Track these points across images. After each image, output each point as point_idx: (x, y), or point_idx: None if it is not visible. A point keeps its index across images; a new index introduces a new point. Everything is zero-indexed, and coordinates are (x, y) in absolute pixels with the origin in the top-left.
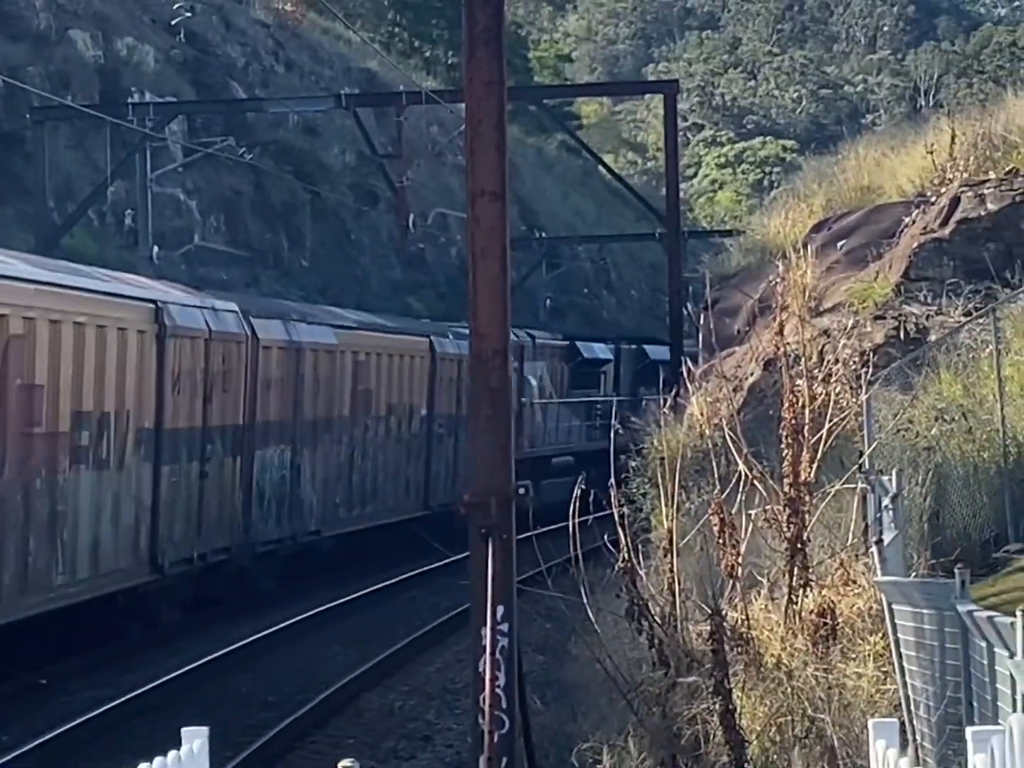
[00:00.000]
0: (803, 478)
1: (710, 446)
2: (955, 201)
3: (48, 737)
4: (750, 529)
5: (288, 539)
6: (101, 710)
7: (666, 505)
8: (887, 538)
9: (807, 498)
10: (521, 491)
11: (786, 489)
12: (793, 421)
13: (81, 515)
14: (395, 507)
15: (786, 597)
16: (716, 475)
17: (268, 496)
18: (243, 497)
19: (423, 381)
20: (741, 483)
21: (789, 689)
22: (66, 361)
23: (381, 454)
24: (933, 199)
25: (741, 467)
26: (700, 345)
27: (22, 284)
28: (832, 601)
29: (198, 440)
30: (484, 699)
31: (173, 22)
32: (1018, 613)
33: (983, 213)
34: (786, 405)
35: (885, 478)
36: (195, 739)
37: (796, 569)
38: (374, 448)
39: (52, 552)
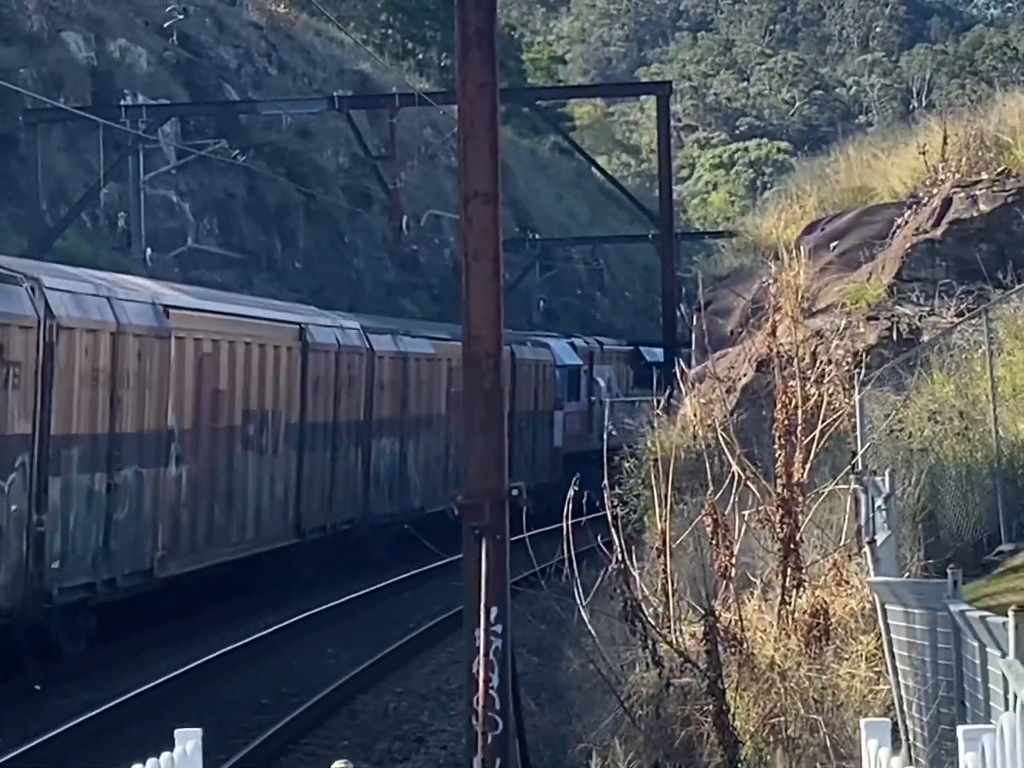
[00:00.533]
0: (796, 479)
1: (703, 447)
2: (947, 202)
3: (42, 740)
4: (743, 530)
5: (398, 514)
6: (95, 712)
7: (659, 506)
8: (880, 538)
9: (800, 499)
10: (514, 492)
11: (779, 490)
12: (786, 422)
13: (248, 489)
14: None
15: (779, 598)
16: (709, 476)
17: (382, 478)
18: (363, 479)
19: (504, 384)
20: (734, 484)
21: (782, 689)
22: (238, 371)
23: None
24: (925, 200)
25: (734, 468)
26: (693, 346)
27: (210, 315)
28: (825, 601)
29: (330, 432)
30: (478, 700)
31: (166, 24)
32: (1010, 613)
33: (975, 214)
34: (779, 406)
35: (878, 478)
36: (188, 740)
37: (789, 569)
38: None
39: (229, 516)
